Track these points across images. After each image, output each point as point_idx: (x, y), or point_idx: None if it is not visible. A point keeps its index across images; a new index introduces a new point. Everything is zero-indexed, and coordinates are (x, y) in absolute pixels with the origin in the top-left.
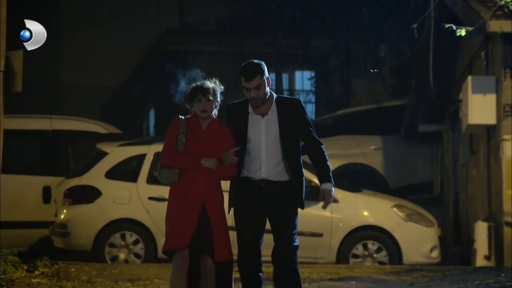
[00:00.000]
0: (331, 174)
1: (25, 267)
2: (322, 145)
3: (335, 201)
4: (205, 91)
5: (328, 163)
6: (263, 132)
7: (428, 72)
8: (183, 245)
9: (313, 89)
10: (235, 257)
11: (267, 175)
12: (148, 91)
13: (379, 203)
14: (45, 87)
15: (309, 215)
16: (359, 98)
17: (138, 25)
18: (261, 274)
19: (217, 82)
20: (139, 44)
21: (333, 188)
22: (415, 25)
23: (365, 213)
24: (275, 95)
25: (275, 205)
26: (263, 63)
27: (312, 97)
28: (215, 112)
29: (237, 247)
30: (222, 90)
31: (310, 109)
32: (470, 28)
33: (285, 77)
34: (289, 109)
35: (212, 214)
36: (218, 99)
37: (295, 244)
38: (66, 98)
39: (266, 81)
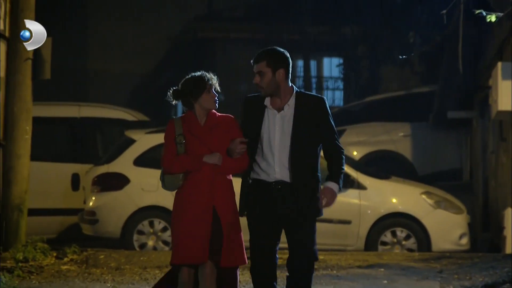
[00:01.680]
0: (341, 178)
1: (54, 254)
2: (343, 151)
3: (363, 188)
4: (214, 80)
5: (343, 168)
6: (278, 128)
7: (457, 58)
8: (201, 260)
9: (342, 75)
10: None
11: (282, 176)
12: (176, 78)
13: (408, 190)
14: (74, 74)
15: (337, 202)
16: (388, 85)
17: (166, 12)
18: (275, 283)
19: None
20: (167, 31)
21: (338, 190)
22: (444, 11)
23: (394, 200)
24: (296, 89)
25: (293, 209)
26: (283, 55)
27: (340, 84)
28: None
29: (250, 256)
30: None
31: (338, 96)
32: (500, 14)
33: (313, 64)
34: (309, 106)
35: (224, 217)
36: None
37: (314, 256)
38: (95, 85)
39: (274, 72)
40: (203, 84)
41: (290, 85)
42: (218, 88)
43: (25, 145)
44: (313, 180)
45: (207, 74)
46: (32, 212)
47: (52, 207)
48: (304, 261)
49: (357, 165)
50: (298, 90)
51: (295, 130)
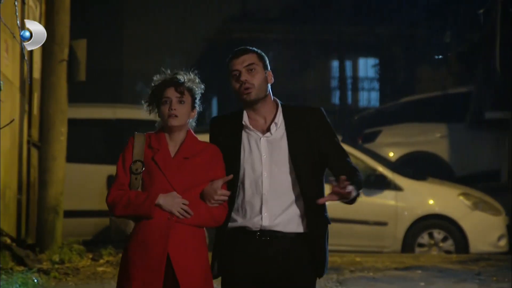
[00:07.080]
0: (357, 184)
1: (90, 256)
2: (359, 172)
3: (400, 189)
4: (175, 85)
5: (361, 177)
6: (265, 157)
7: (494, 58)
8: None
9: (377, 76)
10: None
11: (272, 223)
12: (211, 79)
13: (445, 191)
14: (109, 76)
15: (374, 204)
16: (424, 85)
17: (201, 13)
18: None
19: (196, 78)
20: (202, 32)
21: (355, 192)
22: (481, 10)
23: (431, 202)
24: (280, 102)
25: (284, 273)
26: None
27: (376, 85)
28: (191, 123)
29: None
30: (202, 90)
31: (374, 97)
32: None
33: (348, 64)
34: (303, 123)
35: (181, 271)
36: (197, 102)
37: None
38: (130, 87)
39: (265, 70)
40: (159, 88)
41: (273, 98)
42: (185, 96)
43: (61, 146)
44: (320, 225)
45: (176, 74)
46: (68, 213)
47: (87, 209)
48: None
49: (393, 166)
50: (283, 103)
51: (293, 159)
